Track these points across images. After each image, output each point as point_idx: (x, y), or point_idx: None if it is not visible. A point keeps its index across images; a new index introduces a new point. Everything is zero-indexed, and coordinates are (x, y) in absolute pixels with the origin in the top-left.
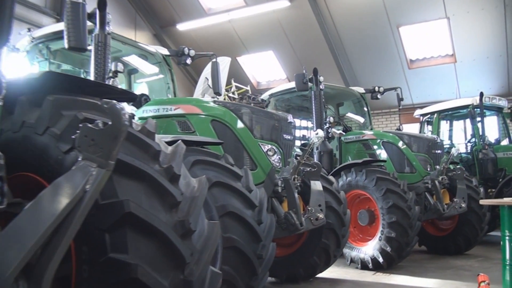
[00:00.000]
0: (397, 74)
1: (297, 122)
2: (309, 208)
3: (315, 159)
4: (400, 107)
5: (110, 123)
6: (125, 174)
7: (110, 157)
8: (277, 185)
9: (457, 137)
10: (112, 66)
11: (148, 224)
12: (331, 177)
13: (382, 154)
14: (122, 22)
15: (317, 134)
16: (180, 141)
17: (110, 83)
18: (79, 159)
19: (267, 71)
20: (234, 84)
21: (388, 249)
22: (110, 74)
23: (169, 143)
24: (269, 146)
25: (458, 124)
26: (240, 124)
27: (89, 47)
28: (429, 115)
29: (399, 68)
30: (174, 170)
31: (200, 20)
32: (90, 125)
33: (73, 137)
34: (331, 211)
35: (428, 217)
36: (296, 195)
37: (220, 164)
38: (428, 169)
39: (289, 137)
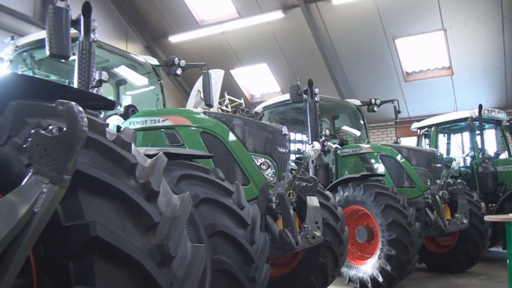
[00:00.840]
0: (393, 87)
1: (292, 135)
2: (305, 226)
3: (311, 174)
4: (397, 120)
5: (65, 129)
6: (94, 191)
7: (64, 170)
8: (271, 201)
9: (455, 151)
10: (96, 75)
11: (119, 250)
12: (327, 192)
13: (380, 168)
14: (113, 34)
15: (313, 146)
16: (161, 153)
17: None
18: (30, 173)
19: (261, 84)
20: (227, 97)
21: (388, 267)
22: (94, 83)
23: (153, 156)
24: (263, 159)
25: (455, 138)
26: (231, 136)
27: (73, 56)
28: (426, 128)
29: (395, 80)
30: (152, 186)
31: (192, 32)
32: (42, 132)
33: (24, 146)
34: (328, 228)
35: (429, 234)
36: (292, 211)
37: (209, 179)
38: (428, 184)
39: (284, 150)
